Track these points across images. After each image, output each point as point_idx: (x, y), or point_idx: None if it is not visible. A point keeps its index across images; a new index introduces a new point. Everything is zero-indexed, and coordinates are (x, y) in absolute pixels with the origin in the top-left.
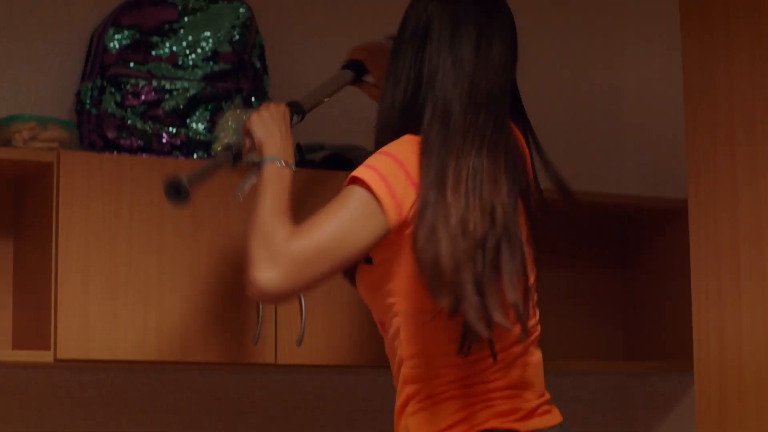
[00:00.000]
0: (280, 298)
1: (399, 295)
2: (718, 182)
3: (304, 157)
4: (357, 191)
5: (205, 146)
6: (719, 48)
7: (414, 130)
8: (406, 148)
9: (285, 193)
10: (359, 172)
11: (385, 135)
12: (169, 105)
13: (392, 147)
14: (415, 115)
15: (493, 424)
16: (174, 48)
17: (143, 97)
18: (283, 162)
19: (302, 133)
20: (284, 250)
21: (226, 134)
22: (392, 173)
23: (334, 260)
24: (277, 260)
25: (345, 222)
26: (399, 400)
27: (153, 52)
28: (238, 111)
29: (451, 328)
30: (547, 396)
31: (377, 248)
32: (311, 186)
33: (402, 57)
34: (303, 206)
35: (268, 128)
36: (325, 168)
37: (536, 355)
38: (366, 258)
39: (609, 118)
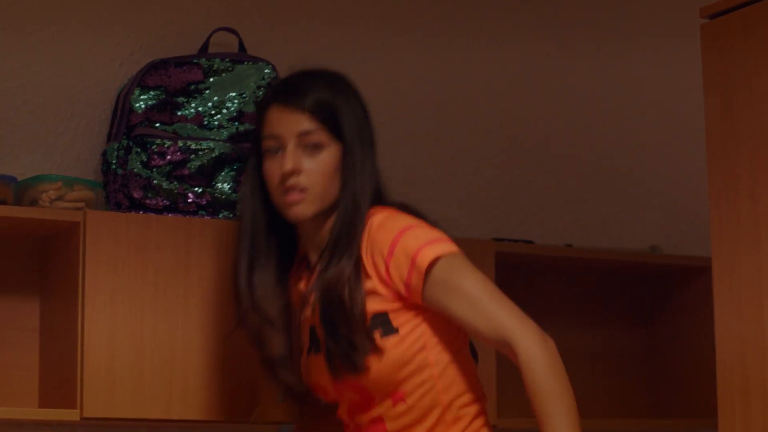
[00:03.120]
0: (549, 346)
1: (434, 348)
2: (742, 237)
3: None
4: (453, 258)
5: (231, 206)
6: (742, 99)
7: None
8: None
9: None
10: (434, 251)
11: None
12: (194, 165)
13: (408, 218)
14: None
15: None
16: (199, 108)
17: (169, 157)
18: None
19: None
20: (510, 323)
21: None
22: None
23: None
24: (516, 328)
25: (479, 275)
26: None
27: (179, 113)
28: None
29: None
30: None
31: (399, 314)
32: None
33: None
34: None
35: None
36: None
37: None
38: (385, 331)
39: (631, 175)
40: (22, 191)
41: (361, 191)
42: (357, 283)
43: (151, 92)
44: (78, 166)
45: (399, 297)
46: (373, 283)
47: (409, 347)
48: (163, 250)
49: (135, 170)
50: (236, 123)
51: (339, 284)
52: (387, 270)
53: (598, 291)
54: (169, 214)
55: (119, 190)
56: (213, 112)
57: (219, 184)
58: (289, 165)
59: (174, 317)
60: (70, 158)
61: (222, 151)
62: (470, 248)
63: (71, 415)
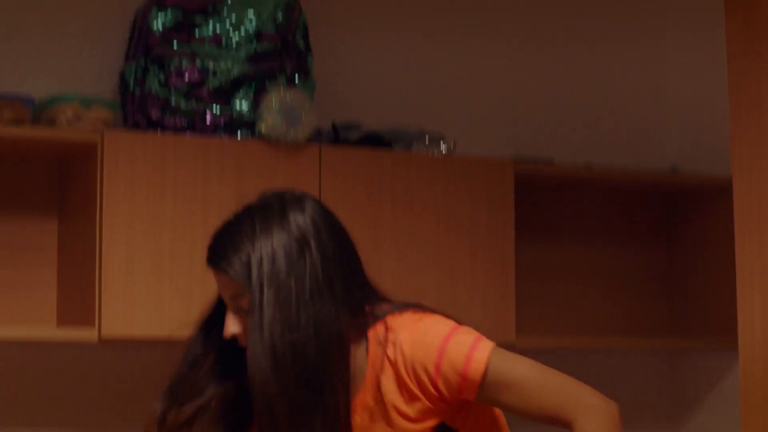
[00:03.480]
0: (608, 411)
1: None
2: (763, 158)
3: (339, 136)
4: (495, 357)
5: (249, 126)
6: (764, 13)
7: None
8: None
9: None
10: (481, 361)
11: None
12: (212, 84)
13: (434, 326)
14: None
15: None
16: (218, 28)
17: (187, 76)
18: None
19: (338, 113)
20: (562, 404)
21: (270, 114)
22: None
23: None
24: (569, 407)
25: (521, 361)
26: None
27: (197, 32)
28: (282, 91)
29: None
30: None
31: (452, 416)
32: (346, 164)
33: None
34: (339, 182)
35: None
36: (362, 146)
37: None
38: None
39: (652, 96)
40: (39, 112)
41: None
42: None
43: (169, 11)
44: (96, 86)
45: (444, 399)
46: (423, 402)
47: None
48: (182, 169)
49: (153, 90)
50: (254, 42)
51: None
52: (436, 387)
53: (618, 210)
54: (188, 134)
55: (137, 110)
56: (231, 31)
57: (237, 104)
58: (226, 332)
59: (192, 235)
60: (87, 79)
61: (240, 70)
62: (489, 168)
63: (89, 334)
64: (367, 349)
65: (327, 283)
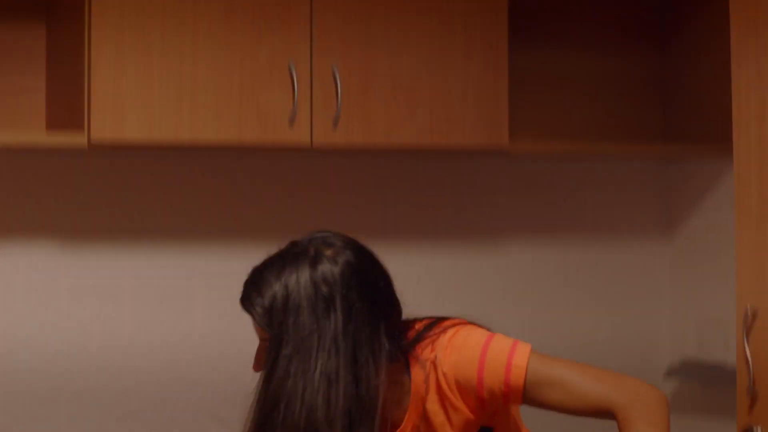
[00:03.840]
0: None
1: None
2: None
3: None
4: (533, 361)
5: None
6: None
7: None
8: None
9: None
10: (520, 369)
11: None
12: None
13: (468, 339)
14: None
15: None
16: None
17: None
18: None
19: None
20: (604, 394)
21: None
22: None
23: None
24: (610, 398)
25: (556, 361)
26: None
27: None
28: None
29: None
30: None
31: (491, 417)
32: None
33: None
34: None
35: None
36: None
37: None
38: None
39: None
40: None
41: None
42: None
43: None
44: None
45: (487, 408)
46: (467, 415)
47: None
48: None
49: None
50: None
51: None
52: (480, 399)
53: (613, 14)
54: None
55: None
56: None
57: None
58: (256, 369)
59: (182, 35)
60: None
61: None
62: None
63: (79, 139)
64: (409, 375)
65: (349, 345)
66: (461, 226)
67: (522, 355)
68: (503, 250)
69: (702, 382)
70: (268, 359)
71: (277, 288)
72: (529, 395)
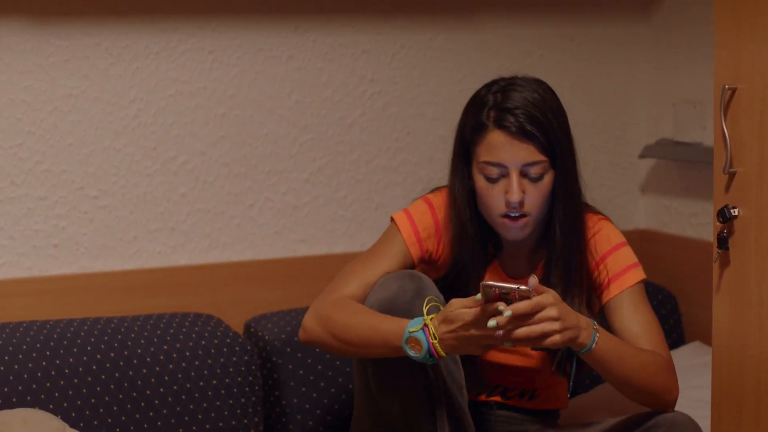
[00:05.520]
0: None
1: None
2: None
3: None
4: (642, 286)
5: None
6: None
7: None
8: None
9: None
10: (638, 274)
11: None
12: None
13: (619, 234)
14: None
15: None
16: None
17: None
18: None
19: None
20: (661, 347)
21: None
22: None
23: None
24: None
25: (649, 306)
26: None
27: None
28: None
29: None
30: None
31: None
32: None
33: None
34: None
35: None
36: None
37: None
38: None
39: None
40: None
41: (576, 202)
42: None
43: None
44: None
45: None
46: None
47: None
48: None
49: None
50: None
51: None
52: (597, 268)
53: None
54: None
55: None
56: None
57: None
58: (516, 196)
59: None
60: None
61: None
62: None
63: None
64: None
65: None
66: (433, 1)
67: (640, 273)
68: (477, 27)
69: (678, 161)
70: (541, 179)
71: (554, 118)
72: (617, 303)
